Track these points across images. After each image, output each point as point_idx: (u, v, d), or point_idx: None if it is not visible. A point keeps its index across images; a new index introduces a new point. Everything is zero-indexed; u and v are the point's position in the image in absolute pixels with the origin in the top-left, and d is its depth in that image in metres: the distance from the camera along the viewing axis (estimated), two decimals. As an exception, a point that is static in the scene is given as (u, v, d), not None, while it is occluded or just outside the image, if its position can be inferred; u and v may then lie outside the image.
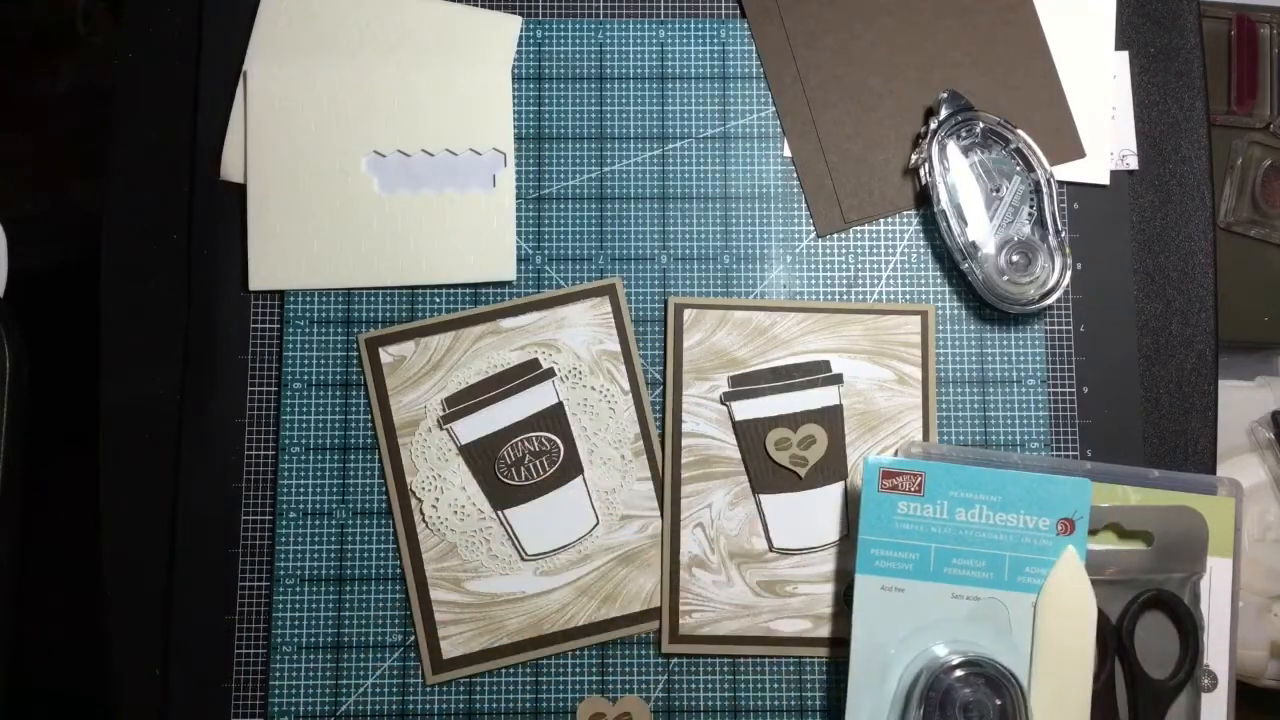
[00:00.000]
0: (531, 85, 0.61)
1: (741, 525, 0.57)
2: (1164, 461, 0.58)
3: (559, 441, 0.57)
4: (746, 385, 0.58)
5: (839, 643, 0.56)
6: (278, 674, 0.56)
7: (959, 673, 0.51)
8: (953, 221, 0.58)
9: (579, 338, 0.58)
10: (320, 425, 0.58)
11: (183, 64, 0.61)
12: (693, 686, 0.56)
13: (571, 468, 0.57)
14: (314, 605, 0.56)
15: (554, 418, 0.58)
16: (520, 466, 0.57)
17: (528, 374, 0.58)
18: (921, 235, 0.60)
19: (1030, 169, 0.59)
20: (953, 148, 0.59)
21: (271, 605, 0.56)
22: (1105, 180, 0.61)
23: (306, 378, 0.58)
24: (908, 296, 0.60)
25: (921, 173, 0.59)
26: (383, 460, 0.57)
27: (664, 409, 0.58)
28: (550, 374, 0.58)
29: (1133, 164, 0.61)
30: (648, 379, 0.58)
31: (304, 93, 0.60)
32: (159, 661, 0.55)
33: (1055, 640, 0.52)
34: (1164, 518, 0.55)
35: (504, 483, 0.57)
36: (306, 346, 0.58)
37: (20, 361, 0.59)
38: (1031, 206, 0.59)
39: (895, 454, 0.57)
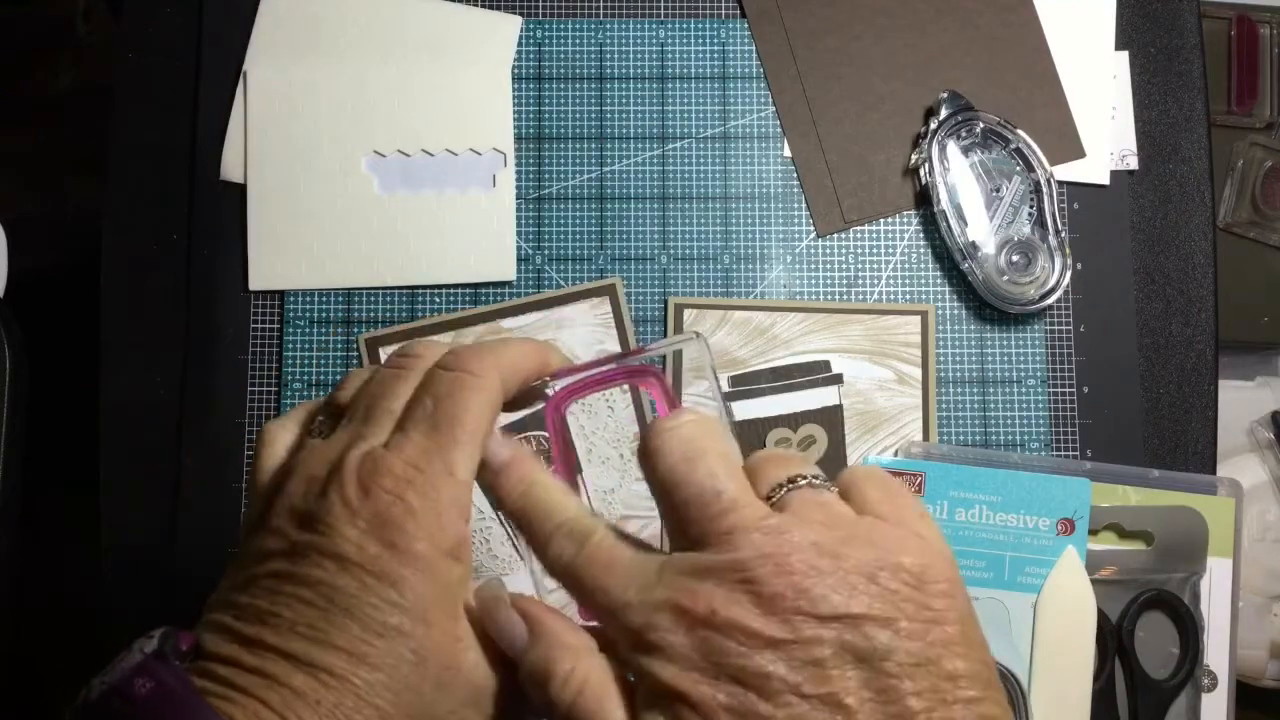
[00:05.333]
0: (531, 85, 0.61)
1: (741, 525, 0.57)
2: (1164, 461, 0.58)
3: (559, 441, 0.57)
4: (746, 385, 0.58)
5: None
6: (278, 674, 0.56)
7: (959, 673, 0.51)
8: (953, 221, 0.58)
9: (579, 338, 0.58)
10: (320, 425, 0.58)
11: (183, 64, 0.61)
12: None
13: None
14: (314, 605, 0.56)
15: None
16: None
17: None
18: (921, 235, 0.60)
19: (1030, 169, 0.59)
20: (953, 148, 0.59)
21: (271, 605, 0.56)
22: (1105, 180, 0.61)
23: (306, 378, 0.58)
24: (908, 296, 0.60)
25: (921, 173, 0.59)
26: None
27: (664, 409, 0.58)
28: None
29: (1133, 164, 0.61)
30: (648, 379, 0.58)
31: (304, 93, 0.60)
32: (159, 661, 0.55)
33: (1055, 640, 0.52)
34: (1164, 518, 0.55)
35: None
36: (306, 346, 0.58)
37: (20, 361, 0.59)
38: (1031, 206, 0.59)
39: (895, 454, 0.57)
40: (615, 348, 0.58)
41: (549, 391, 0.37)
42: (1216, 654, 0.55)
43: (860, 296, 0.60)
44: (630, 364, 0.38)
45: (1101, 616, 0.53)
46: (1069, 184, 0.61)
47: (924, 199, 0.60)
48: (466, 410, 0.32)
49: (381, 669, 0.29)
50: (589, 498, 0.57)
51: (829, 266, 0.60)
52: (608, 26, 0.62)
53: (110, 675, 0.28)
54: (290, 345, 0.58)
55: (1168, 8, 0.63)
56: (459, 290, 0.59)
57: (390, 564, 0.30)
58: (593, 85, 0.61)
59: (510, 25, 0.61)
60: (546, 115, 0.61)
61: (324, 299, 0.59)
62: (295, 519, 0.31)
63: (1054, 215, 0.58)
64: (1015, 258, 0.58)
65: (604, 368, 0.37)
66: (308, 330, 0.59)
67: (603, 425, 0.58)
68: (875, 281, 0.60)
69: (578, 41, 0.62)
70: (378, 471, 0.31)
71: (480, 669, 0.31)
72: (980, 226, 0.58)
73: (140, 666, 0.28)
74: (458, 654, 0.31)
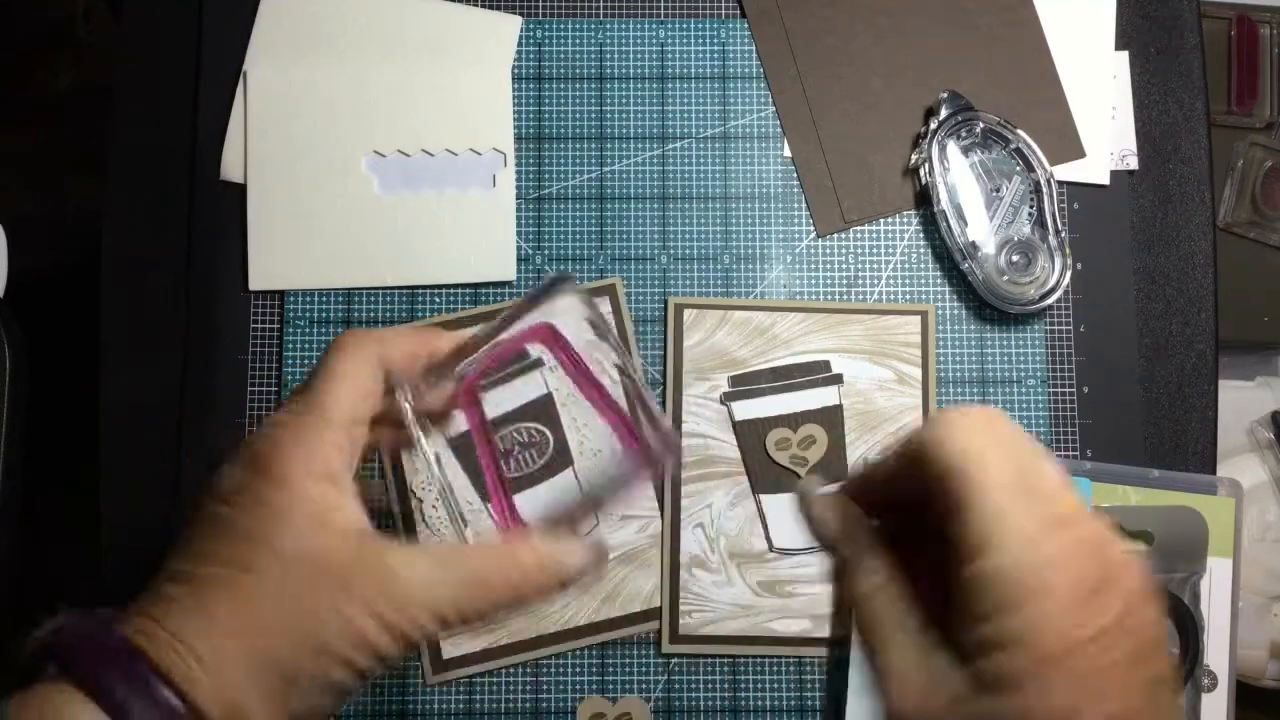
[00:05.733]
0: (531, 85, 0.61)
1: (742, 525, 0.57)
2: (1164, 461, 0.58)
3: (548, 433, 0.57)
4: (746, 385, 0.58)
5: (839, 643, 0.56)
6: (278, 674, 0.56)
7: (959, 673, 0.51)
8: (953, 221, 0.58)
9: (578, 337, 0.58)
10: (320, 425, 0.58)
11: (183, 64, 0.61)
12: (693, 686, 0.56)
13: (561, 460, 0.57)
14: (314, 605, 0.56)
15: (543, 409, 0.58)
16: (510, 458, 0.57)
17: (515, 363, 0.57)
18: (921, 235, 0.60)
19: (1030, 169, 0.59)
20: (953, 148, 0.59)
21: (271, 605, 0.56)
22: (1105, 180, 0.61)
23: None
24: (908, 296, 0.60)
25: (921, 173, 0.59)
26: (383, 460, 0.57)
27: (664, 409, 0.58)
28: (539, 364, 0.58)
29: (1133, 164, 0.61)
30: (648, 379, 0.58)
31: (304, 93, 0.60)
32: (159, 661, 0.55)
33: (1055, 640, 0.52)
34: (1164, 518, 0.55)
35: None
36: (306, 346, 0.58)
37: (20, 361, 0.59)
38: (1031, 206, 0.59)
39: (895, 454, 0.57)
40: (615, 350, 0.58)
41: (460, 375, 0.39)
42: (1216, 654, 0.55)
43: (860, 296, 0.60)
44: (520, 329, 0.40)
45: (1101, 616, 0.53)
46: (1069, 184, 0.61)
47: (924, 199, 0.60)
48: (337, 362, 0.36)
49: (252, 570, 0.32)
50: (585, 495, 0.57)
51: (829, 266, 0.60)
52: (608, 26, 0.62)
53: (38, 631, 0.32)
54: (290, 345, 0.58)
55: (1168, 8, 0.63)
56: (459, 290, 0.59)
57: (258, 484, 0.33)
58: (593, 85, 0.61)
59: (510, 25, 0.61)
60: (546, 115, 0.61)
61: (324, 299, 0.59)
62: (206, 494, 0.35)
63: (1054, 215, 0.58)
64: (1015, 258, 0.58)
65: (498, 338, 0.39)
66: (308, 330, 0.59)
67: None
68: (875, 281, 0.60)
69: (578, 41, 0.62)
70: (261, 426, 0.35)
71: (357, 576, 0.33)
72: (980, 226, 0.58)
73: (64, 621, 0.32)
74: (329, 558, 0.33)
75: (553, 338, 0.40)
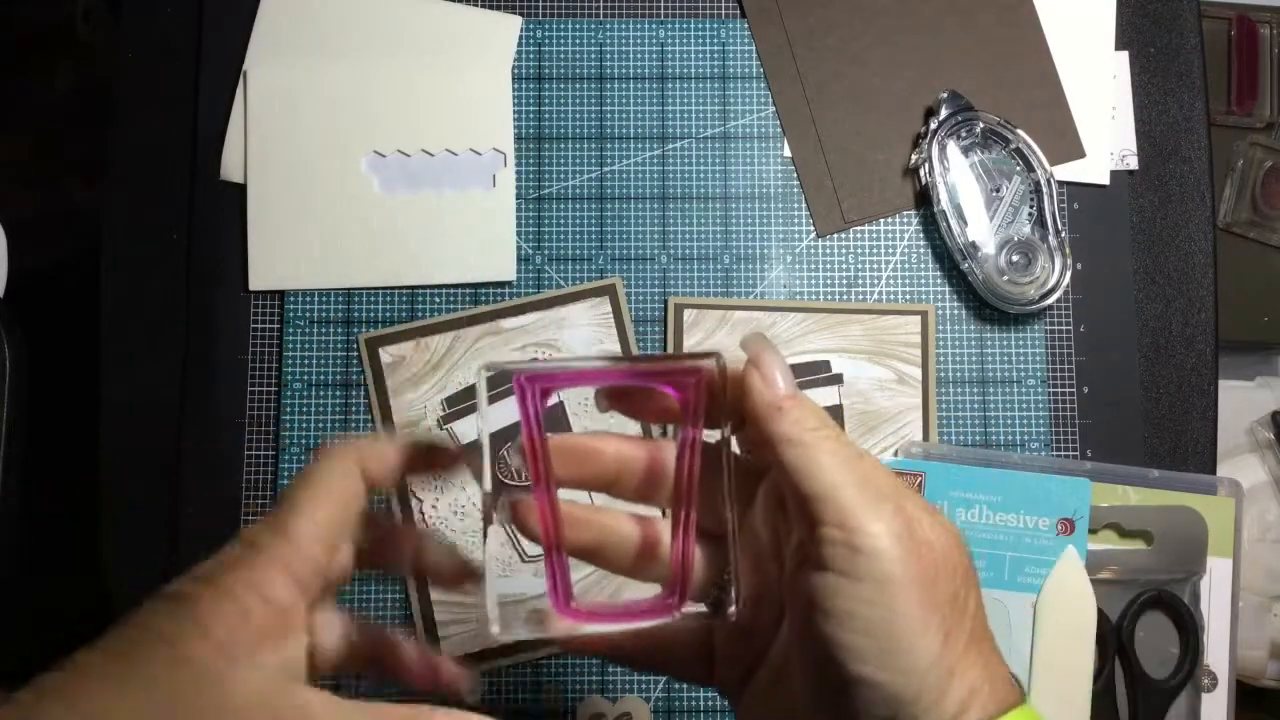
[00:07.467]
0: (531, 85, 0.61)
1: (741, 525, 0.57)
2: (1164, 461, 0.58)
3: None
4: (746, 385, 0.58)
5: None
6: (278, 674, 0.55)
7: (959, 673, 0.51)
8: (953, 221, 0.58)
9: (579, 338, 0.58)
10: (320, 425, 0.58)
11: (183, 64, 0.61)
12: (693, 686, 0.56)
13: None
14: (314, 605, 0.56)
15: (555, 419, 0.58)
16: (521, 467, 0.57)
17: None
18: (921, 235, 0.60)
19: (1030, 169, 0.59)
20: (953, 148, 0.59)
21: (271, 605, 0.56)
22: (1105, 180, 0.61)
23: (306, 378, 0.58)
24: (908, 296, 0.60)
25: (921, 173, 0.59)
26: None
27: (664, 409, 0.58)
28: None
29: (1133, 164, 0.61)
30: (648, 379, 0.58)
31: (304, 93, 0.60)
32: (159, 661, 0.55)
33: (1055, 640, 0.52)
34: (1164, 518, 0.55)
35: (504, 483, 0.57)
36: (306, 346, 0.58)
37: (20, 361, 0.59)
38: (1031, 206, 0.59)
39: (895, 454, 0.57)
40: (615, 348, 0.58)
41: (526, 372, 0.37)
42: (1216, 654, 0.55)
43: (860, 296, 0.60)
44: (652, 368, 0.39)
45: (1101, 616, 0.53)
46: (1069, 184, 0.61)
47: (924, 199, 0.60)
48: (306, 484, 0.34)
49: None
50: (592, 498, 0.57)
51: (829, 266, 0.60)
52: (608, 26, 0.62)
53: None
54: (290, 345, 0.58)
55: (1168, 8, 0.63)
56: (459, 290, 0.59)
57: (192, 638, 0.32)
58: (593, 85, 0.61)
59: (510, 25, 0.61)
60: (546, 115, 0.61)
61: (324, 299, 0.59)
62: None
63: (1054, 215, 0.58)
64: (1015, 258, 0.58)
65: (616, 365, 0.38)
66: (308, 330, 0.59)
67: (605, 427, 0.58)
68: (875, 281, 0.60)
69: (578, 41, 0.62)
70: (232, 544, 0.34)
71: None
72: (980, 226, 0.58)
73: None
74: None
75: (696, 393, 0.39)
